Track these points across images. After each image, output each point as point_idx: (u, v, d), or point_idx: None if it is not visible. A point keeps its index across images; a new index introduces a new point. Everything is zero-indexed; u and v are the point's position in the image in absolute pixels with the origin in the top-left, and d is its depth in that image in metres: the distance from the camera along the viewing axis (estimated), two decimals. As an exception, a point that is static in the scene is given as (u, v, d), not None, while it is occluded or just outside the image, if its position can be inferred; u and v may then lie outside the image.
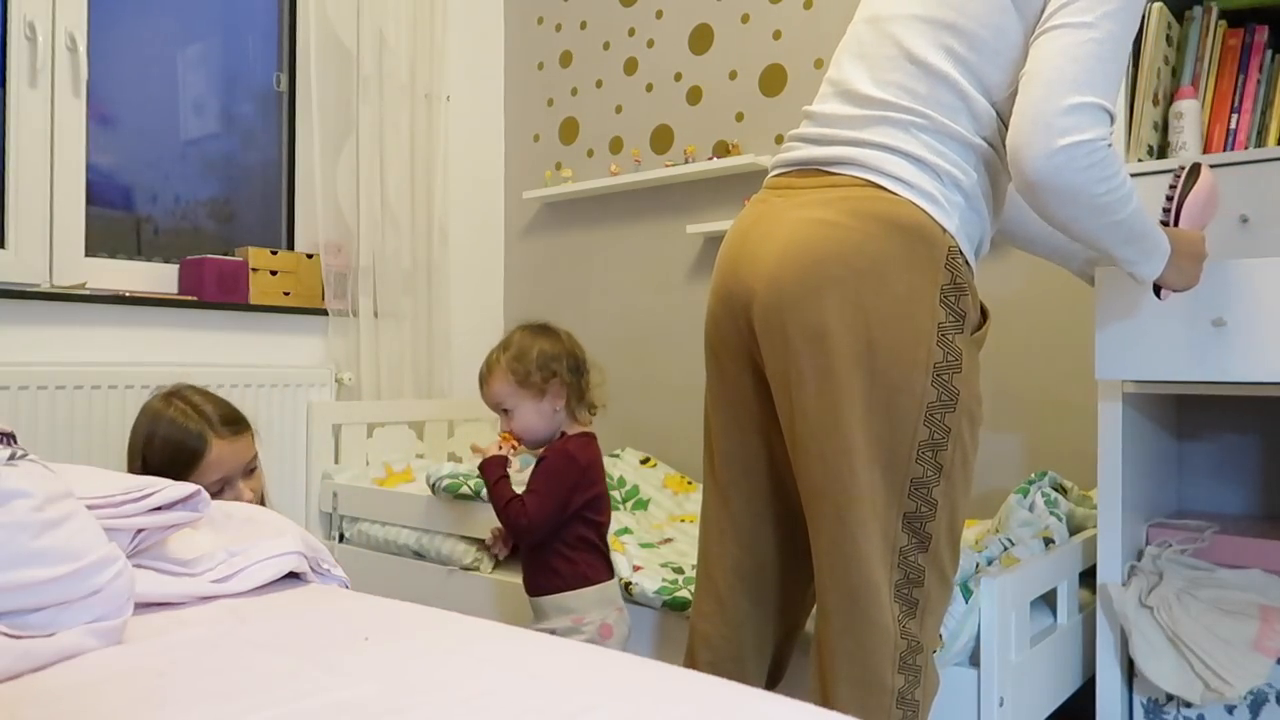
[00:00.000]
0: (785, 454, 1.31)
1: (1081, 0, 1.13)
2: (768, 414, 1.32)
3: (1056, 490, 1.97)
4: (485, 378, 1.76)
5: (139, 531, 0.90)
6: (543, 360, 1.72)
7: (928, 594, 1.22)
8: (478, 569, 2.17)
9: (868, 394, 1.18)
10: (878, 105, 1.23)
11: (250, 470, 1.68)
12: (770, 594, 1.40)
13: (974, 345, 1.23)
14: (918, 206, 1.19)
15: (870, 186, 1.20)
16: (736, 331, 1.31)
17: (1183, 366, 1.52)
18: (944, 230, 1.19)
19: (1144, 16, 1.73)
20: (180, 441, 1.58)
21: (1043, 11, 1.17)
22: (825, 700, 1.22)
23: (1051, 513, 1.83)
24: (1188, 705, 1.64)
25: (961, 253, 1.21)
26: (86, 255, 2.38)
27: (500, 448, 1.73)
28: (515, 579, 2.11)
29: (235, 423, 1.65)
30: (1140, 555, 1.75)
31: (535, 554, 1.72)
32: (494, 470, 1.70)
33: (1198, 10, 1.78)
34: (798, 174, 1.29)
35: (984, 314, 1.27)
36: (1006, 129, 1.21)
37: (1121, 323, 1.57)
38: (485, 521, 2.16)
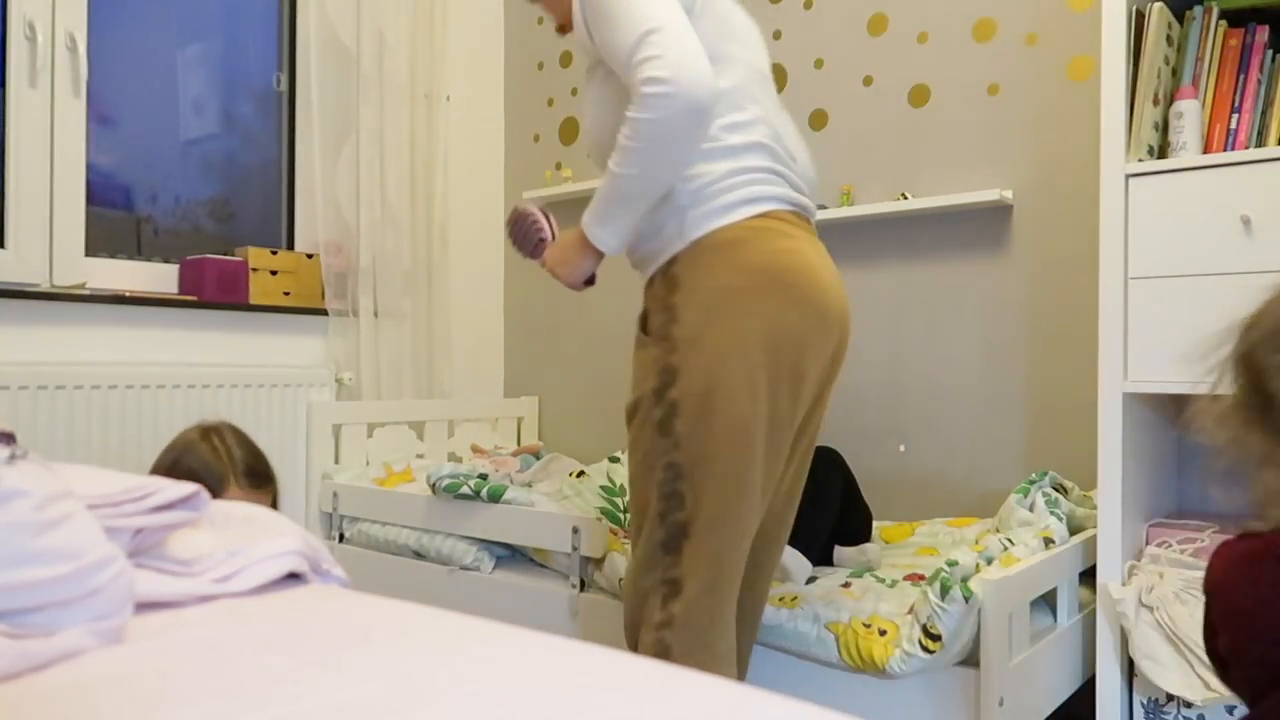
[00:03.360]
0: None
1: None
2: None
3: (1056, 490, 1.97)
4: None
5: (139, 531, 0.90)
6: None
7: None
8: (478, 569, 2.17)
9: None
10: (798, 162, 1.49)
11: None
12: (746, 604, 1.51)
13: None
14: None
15: None
16: (828, 357, 1.42)
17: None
18: None
19: (1144, 16, 1.73)
20: (199, 478, 1.57)
21: None
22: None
23: (1051, 513, 1.83)
24: (1188, 705, 1.64)
25: None
26: (86, 255, 2.38)
27: None
28: (516, 579, 2.11)
29: (259, 476, 1.64)
30: (1140, 555, 1.76)
31: None
32: None
33: (1198, 10, 1.78)
34: (802, 218, 1.44)
35: None
36: None
37: (1152, 330, 1.65)
38: (485, 521, 2.15)
